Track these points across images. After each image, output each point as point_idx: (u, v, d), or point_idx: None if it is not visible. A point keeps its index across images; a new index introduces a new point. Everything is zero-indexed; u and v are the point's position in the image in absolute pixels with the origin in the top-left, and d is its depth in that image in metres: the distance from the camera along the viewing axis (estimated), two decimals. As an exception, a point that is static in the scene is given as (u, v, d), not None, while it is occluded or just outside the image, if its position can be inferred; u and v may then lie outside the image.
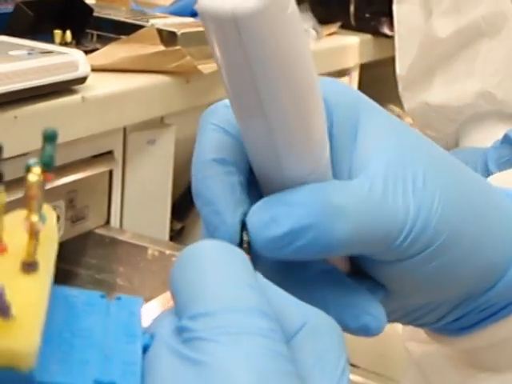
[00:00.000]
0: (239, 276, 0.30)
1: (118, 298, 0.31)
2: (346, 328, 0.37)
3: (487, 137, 0.87)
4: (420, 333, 0.46)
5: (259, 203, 0.36)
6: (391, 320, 0.41)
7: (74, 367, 0.28)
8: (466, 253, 0.38)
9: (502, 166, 0.77)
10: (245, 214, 0.36)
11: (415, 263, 0.37)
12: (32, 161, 0.28)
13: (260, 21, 0.31)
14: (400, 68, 1.03)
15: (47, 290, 0.28)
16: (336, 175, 0.38)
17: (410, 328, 0.48)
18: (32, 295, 0.27)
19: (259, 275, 0.32)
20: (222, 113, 0.36)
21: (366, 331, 0.37)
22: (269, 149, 0.35)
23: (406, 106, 1.03)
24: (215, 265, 0.30)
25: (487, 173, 0.79)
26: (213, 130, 0.37)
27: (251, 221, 0.35)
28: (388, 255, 0.37)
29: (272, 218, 0.35)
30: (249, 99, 0.33)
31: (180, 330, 0.29)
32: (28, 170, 0.28)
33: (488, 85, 0.90)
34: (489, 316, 0.41)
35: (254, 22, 0.31)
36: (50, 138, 0.29)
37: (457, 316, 0.42)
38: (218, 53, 0.33)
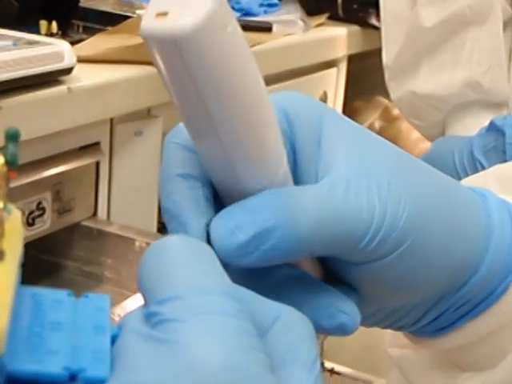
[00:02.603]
0: (205, 263, 0.31)
1: (86, 296, 0.32)
2: (321, 328, 0.38)
3: (473, 125, 0.87)
4: (401, 337, 0.46)
5: (221, 213, 0.36)
6: (369, 324, 0.42)
7: (44, 356, 0.29)
8: (436, 252, 0.39)
9: (488, 153, 0.77)
10: (209, 225, 0.36)
11: (385, 265, 0.38)
12: None
13: (199, 40, 0.32)
14: (387, 58, 1.03)
15: (14, 278, 0.29)
16: (303, 184, 0.38)
17: (391, 333, 0.48)
18: None
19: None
20: (183, 131, 0.37)
21: (341, 330, 0.38)
22: (224, 165, 0.35)
23: (392, 95, 1.04)
24: (181, 255, 0.31)
25: (473, 160, 0.79)
26: (175, 147, 0.37)
27: (215, 230, 0.36)
28: (357, 257, 0.37)
29: (236, 226, 0.35)
30: (199, 118, 0.34)
31: (148, 316, 0.30)
32: None
33: (475, 74, 0.90)
34: (465, 314, 0.42)
35: (194, 42, 0.32)
36: (12, 136, 0.29)
37: (433, 316, 0.42)
38: (164, 74, 0.33)
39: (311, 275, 0.39)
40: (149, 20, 0.32)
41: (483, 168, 0.77)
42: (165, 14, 0.32)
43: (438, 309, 0.41)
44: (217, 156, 0.35)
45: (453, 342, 0.43)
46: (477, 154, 0.78)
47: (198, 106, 0.33)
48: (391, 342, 0.49)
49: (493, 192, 0.43)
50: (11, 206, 0.31)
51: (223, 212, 0.36)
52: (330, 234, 0.36)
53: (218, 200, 0.38)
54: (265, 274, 0.38)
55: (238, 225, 0.35)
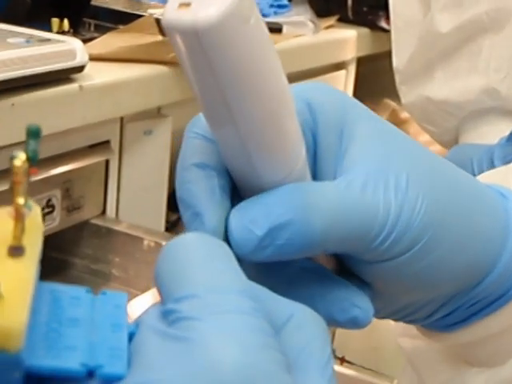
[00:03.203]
0: (222, 262, 0.31)
1: (104, 293, 0.32)
2: (334, 321, 0.38)
3: (489, 133, 0.86)
4: (412, 328, 0.46)
5: (237, 207, 0.36)
6: (380, 317, 0.42)
7: (62, 352, 0.29)
8: (452, 252, 0.39)
9: (509, 163, 0.76)
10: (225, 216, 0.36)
11: (400, 264, 0.37)
12: (17, 151, 0.29)
13: (221, 33, 0.32)
14: (397, 62, 1.02)
15: (33, 273, 0.29)
16: (321, 177, 0.38)
17: (401, 324, 0.48)
18: (18, 277, 0.28)
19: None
20: (202, 122, 0.37)
21: (355, 323, 0.38)
22: (243, 155, 0.35)
23: (403, 100, 1.03)
24: (198, 253, 0.31)
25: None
26: (193, 137, 0.37)
27: (231, 224, 0.36)
28: (371, 255, 0.37)
29: (251, 220, 0.35)
30: (218, 108, 0.34)
31: (165, 314, 0.30)
32: (13, 159, 0.29)
33: (492, 81, 0.89)
34: (478, 311, 0.42)
35: (215, 34, 0.31)
36: (33, 133, 0.30)
37: (446, 312, 0.42)
38: (184, 64, 0.33)
39: (326, 268, 0.39)
40: (171, 10, 0.32)
41: None
42: (188, 4, 0.32)
43: (450, 306, 0.41)
44: (235, 146, 0.35)
45: (463, 337, 0.43)
46: (497, 164, 0.77)
47: (218, 96, 0.33)
48: (402, 332, 0.49)
49: None
50: (31, 202, 0.31)
51: (239, 206, 0.36)
52: (344, 231, 0.36)
53: (237, 192, 0.37)
54: (280, 266, 0.38)
55: (253, 219, 0.35)
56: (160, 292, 0.31)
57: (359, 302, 0.38)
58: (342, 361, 0.98)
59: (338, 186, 0.37)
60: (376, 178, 0.37)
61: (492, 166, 0.78)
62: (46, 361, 0.28)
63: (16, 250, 0.29)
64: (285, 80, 0.35)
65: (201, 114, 0.37)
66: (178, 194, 0.37)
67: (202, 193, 0.36)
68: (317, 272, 0.39)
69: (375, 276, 0.39)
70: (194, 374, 0.28)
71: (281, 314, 0.32)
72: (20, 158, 0.29)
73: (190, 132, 0.38)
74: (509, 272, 0.40)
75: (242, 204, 0.36)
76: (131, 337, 0.30)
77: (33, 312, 0.28)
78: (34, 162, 0.29)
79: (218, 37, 0.32)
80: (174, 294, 0.30)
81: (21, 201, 0.29)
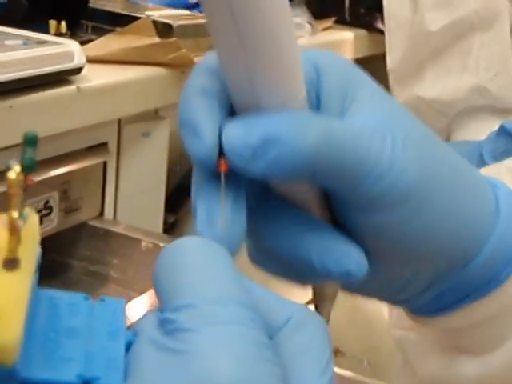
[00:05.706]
0: (220, 270, 0.31)
1: (102, 300, 0.32)
2: (328, 273, 0.38)
3: (480, 130, 0.86)
4: (405, 320, 0.47)
5: (234, 118, 0.36)
6: (368, 293, 0.42)
7: (58, 364, 0.29)
8: (440, 219, 0.39)
9: (498, 157, 0.77)
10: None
11: (390, 221, 0.38)
12: (12, 162, 0.29)
13: None
14: (390, 61, 1.03)
15: (29, 286, 0.29)
16: None
17: (395, 315, 0.48)
18: (13, 290, 0.28)
19: (244, 278, 0.32)
20: (211, 59, 0.38)
21: (348, 276, 0.38)
22: (245, 74, 0.36)
23: (396, 99, 1.03)
24: (197, 260, 0.31)
25: (483, 165, 0.79)
26: (200, 68, 0.38)
27: (227, 132, 0.36)
28: (363, 197, 0.37)
29: (248, 127, 0.36)
30: (223, 19, 0.35)
31: (163, 323, 0.30)
32: (8, 169, 0.29)
33: (482, 80, 0.90)
34: (465, 296, 0.42)
35: None
36: (30, 141, 0.29)
37: (433, 294, 0.42)
38: None
39: (322, 221, 0.40)
40: None
41: None
42: None
43: (438, 286, 0.41)
44: (238, 65, 0.36)
45: (451, 322, 0.43)
46: (486, 159, 0.77)
47: (227, 14, 0.34)
48: (394, 323, 0.50)
49: (503, 182, 0.43)
50: (28, 211, 0.30)
51: (235, 117, 0.36)
52: (335, 156, 0.36)
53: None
54: (277, 215, 0.38)
55: (249, 127, 0.35)
56: (158, 298, 0.31)
57: (354, 255, 0.38)
58: (337, 352, 0.97)
59: (335, 119, 0.37)
60: (374, 128, 0.37)
61: (482, 160, 0.78)
62: (41, 373, 0.28)
63: (11, 263, 0.28)
64: (289, 13, 0.36)
65: (209, 55, 0.38)
66: (179, 117, 0.37)
67: (201, 111, 0.36)
68: (313, 223, 0.39)
69: (367, 232, 0.39)
70: None
71: (279, 315, 0.32)
72: (15, 170, 0.28)
73: (197, 68, 0.38)
74: (496, 257, 0.41)
75: (239, 115, 0.36)
76: (129, 345, 0.30)
77: (30, 321, 0.28)
78: (30, 170, 0.29)
79: None
80: (172, 303, 0.30)
81: (15, 214, 0.28)
